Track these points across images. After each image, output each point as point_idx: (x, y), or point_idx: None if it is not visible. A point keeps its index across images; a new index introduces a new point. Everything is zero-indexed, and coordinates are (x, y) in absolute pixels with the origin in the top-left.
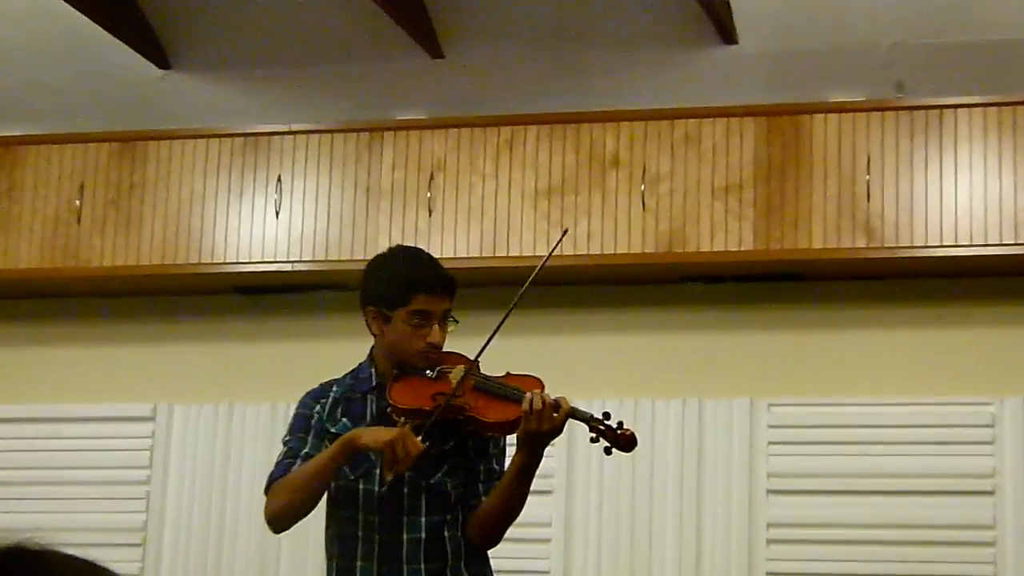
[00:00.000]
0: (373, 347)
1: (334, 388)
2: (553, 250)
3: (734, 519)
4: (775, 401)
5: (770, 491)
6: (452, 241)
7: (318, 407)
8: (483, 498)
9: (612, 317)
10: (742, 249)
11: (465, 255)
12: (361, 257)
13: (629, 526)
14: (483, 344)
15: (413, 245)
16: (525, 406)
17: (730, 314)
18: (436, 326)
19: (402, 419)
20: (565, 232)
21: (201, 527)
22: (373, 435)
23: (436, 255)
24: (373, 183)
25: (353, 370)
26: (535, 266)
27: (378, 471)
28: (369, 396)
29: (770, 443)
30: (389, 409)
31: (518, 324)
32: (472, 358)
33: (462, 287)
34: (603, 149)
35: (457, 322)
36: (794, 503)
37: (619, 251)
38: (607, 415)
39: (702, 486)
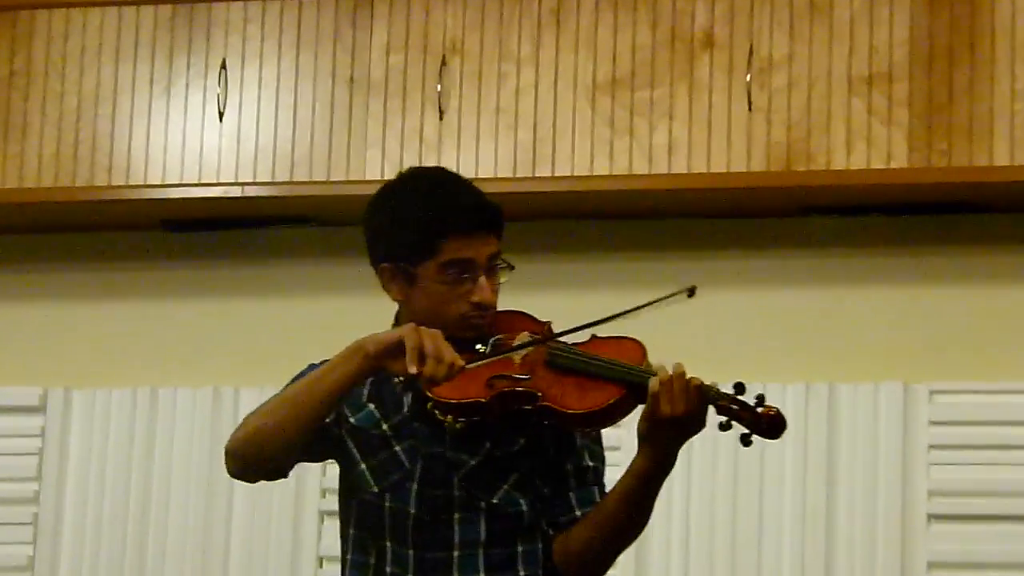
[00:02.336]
0: (398, 312)
1: None
2: (663, 300)
3: (880, 556)
4: (939, 387)
5: (932, 516)
6: (472, 155)
7: None
8: (576, 512)
9: (703, 265)
10: (892, 167)
11: (491, 175)
12: (341, 178)
13: (728, 563)
14: (571, 328)
15: (433, 166)
16: (654, 385)
17: (874, 261)
18: (482, 278)
19: (448, 418)
20: (692, 291)
21: (111, 565)
22: (390, 331)
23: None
24: (359, 72)
25: None
26: (591, 192)
27: (413, 485)
28: (396, 382)
29: (932, 447)
30: (430, 404)
31: (566, 275)
32: (541, 320)
33: None
34: (691, 23)
35: (512, 268)
36: (966, 534)
37: (714, 170)
38: (740, 387)
39: (834, 508)
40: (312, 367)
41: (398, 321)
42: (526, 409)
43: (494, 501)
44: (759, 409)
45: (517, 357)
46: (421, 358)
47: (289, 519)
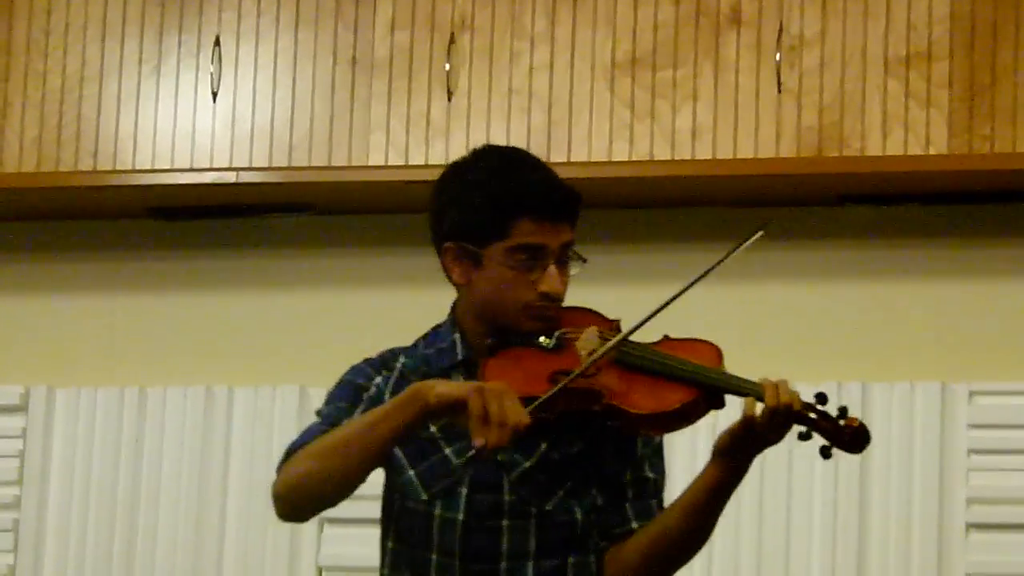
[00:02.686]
0: (456, 303)
1: (401, 360)
2: (747, 244)
3: (916, 567)
4: (980, 387)
5: (971, 525)
6: (482, 139)
7: (379, 379)
8: (633, 524)
9: (729, 257)
10: (931, 154)
11: None
12: (343, 163)
13: (754, 574)
14: (642, 319)
15: (509, 146)
16: (751, 408)
17: (911, 253)
18: (552, 267)
19: None
20: (765, 226)
21: (96, 575)
22: (454, 384)
23: (457, 158)
24: (362, 51)
25: (427, 335)
26: (609, 179)
27: (463, 490)
28: (454, 376)
29: (971, 452)
30: None
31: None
32: (609, 318)
33: None
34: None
35: (584, 261)
36: (1007, 544)
37: (740, 155)
38: (822, 398)
39: (866, 516)
40: (364, 363)
41: (455, 311)
42: (591, 409)
43: (547, 508)
44: (841, 421)
45: (584, 353)
46: (486, 425)
47: (287, 527)
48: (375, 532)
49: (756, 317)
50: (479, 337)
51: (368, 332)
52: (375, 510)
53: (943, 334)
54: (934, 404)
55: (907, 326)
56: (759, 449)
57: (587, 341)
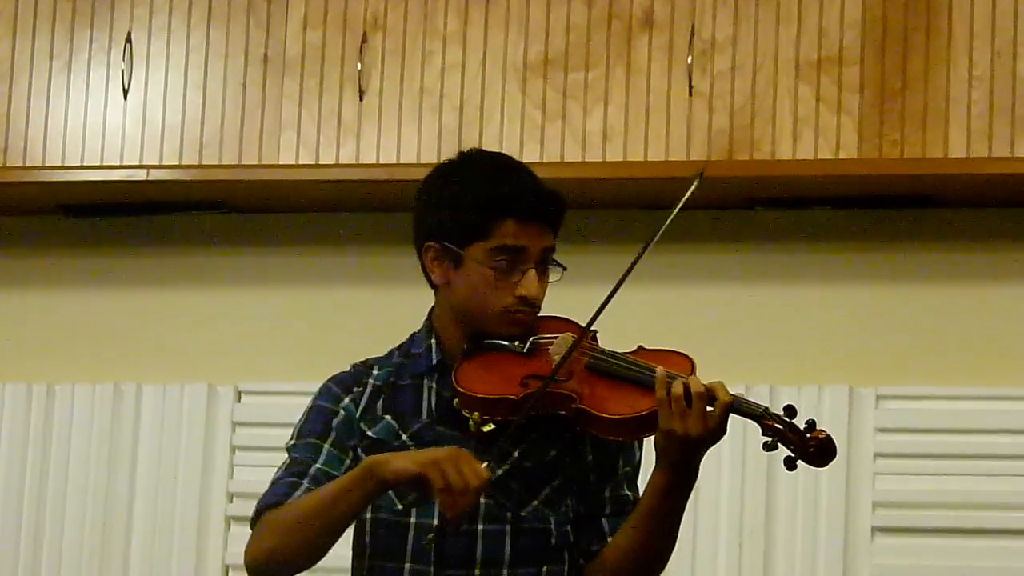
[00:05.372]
0: (433, 308)
1: (374, 371)
2: (687, 197)
3: (821, 572)
4: (887, 391)
5: (877, 529)
6: (393, 138)
7: (348, 400)
8: (608, 539)
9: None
10: (841, 158)
11: (413, 160)
12: (253, 162)
13: None
14: (599, 307)
15: (495, 151)
16: (660, 391)
17: (820, 257)
18: (531, 271)
19: (475, 415)
20: (701, 174)
21: (2, 575)
22: (408, 458)
23: (370, 159)
24: (273, 49)
25: (402, 344)
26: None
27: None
28: (427, 381)
29: (878, 456)
30: (456, 401)
31: None
32: (583, 325)
33: (408, 208)
34: (629, 2)
35: (564, 269)
36: (911, 548)
37: (651, 159)
38: (790, 410)
39: (773, 520)
40: (332, 382)
41: (431, 317)
42: (561, 414)
43: (522, 514)
44: (807, 434)
45: (556, 360)
46: (451, 495)
47: (193, 526)
48: None
49: (665, 320)
50: (454, 341)
51: (277, 330)
52: None
53: (851, 338)
54: (841, 408)
55: (815, 329)
56: (692, 444)
57: (561, 347)
